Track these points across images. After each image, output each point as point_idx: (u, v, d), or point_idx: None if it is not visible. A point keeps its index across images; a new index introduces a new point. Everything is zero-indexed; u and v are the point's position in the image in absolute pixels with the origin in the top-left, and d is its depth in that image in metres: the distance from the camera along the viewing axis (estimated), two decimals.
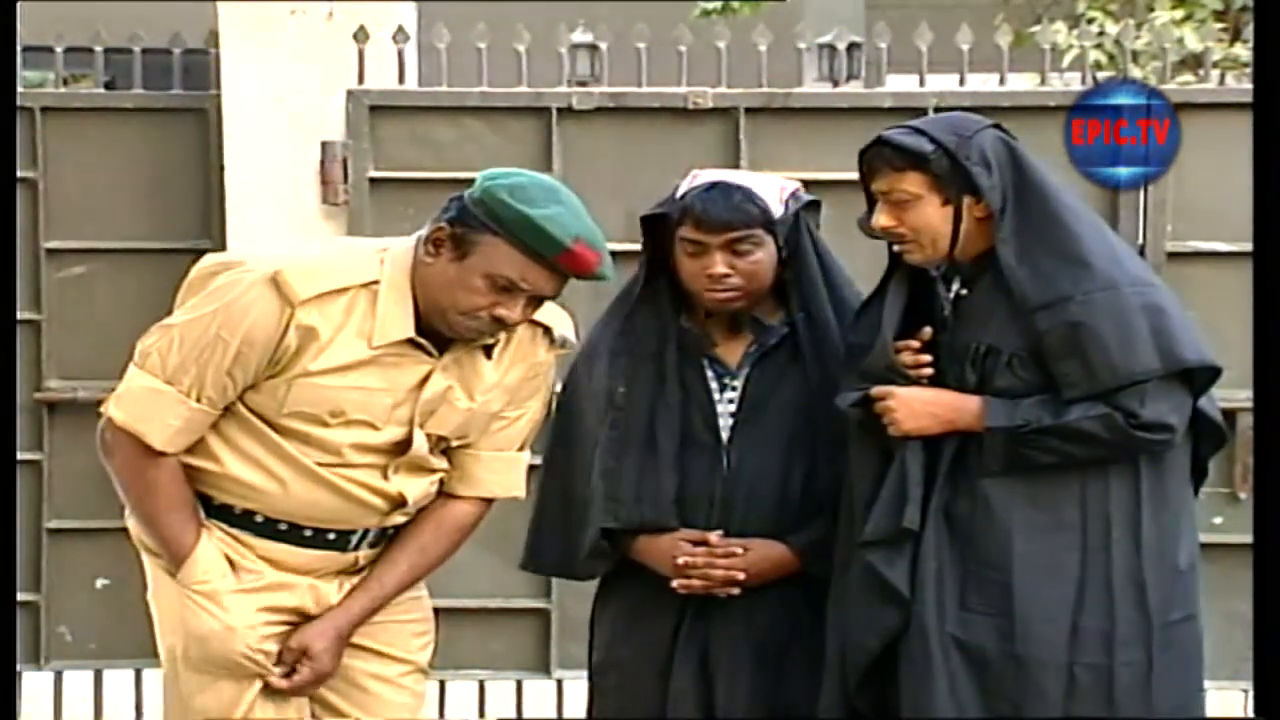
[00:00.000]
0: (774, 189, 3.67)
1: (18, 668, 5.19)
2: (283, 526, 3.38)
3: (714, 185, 3.63)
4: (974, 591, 3.41)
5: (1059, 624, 3.38)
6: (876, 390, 3.46)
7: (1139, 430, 3.34)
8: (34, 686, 5.49)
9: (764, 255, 3.61)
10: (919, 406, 3.44)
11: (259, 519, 3.37)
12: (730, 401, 3.68)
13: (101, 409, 3.35)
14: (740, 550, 3.61)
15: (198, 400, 3.28)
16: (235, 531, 3.38)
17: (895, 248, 3.50)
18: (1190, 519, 3.52)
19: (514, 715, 5.50)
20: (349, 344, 3.30)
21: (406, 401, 3.36)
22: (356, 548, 3.45)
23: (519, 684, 5.49)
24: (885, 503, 3.45)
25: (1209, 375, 3.44)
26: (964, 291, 3.49)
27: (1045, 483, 3.40)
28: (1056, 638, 3.38)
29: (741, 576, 3.59)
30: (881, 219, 3.46)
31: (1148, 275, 3.51)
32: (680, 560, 3.60)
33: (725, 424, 3.67)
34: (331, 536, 3.41)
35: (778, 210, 3.63)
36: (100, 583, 5.47)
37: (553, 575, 4.04)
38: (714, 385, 3.69)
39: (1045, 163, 3.55)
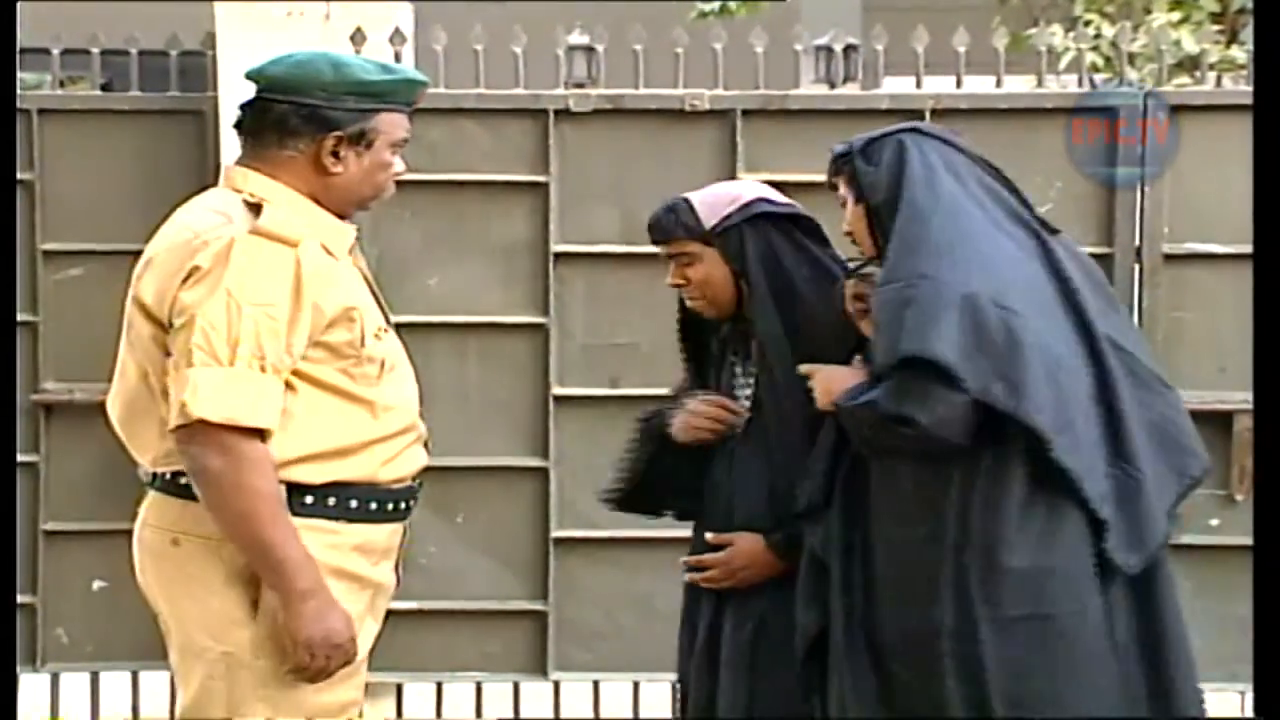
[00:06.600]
0: (725, 201, 3.70)
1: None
2: (373, 505, 3.39)
3: (672, 200, 3.74)
4: (860, 570, 3.47)
5: (907, 610, 3.40)
6: (803, 368, 3.55)
7: (888, 420, 3.34)
8: (30, 688, 5.48)
9: (704, 267, 3.69)
10: (826, 385, 3.50)
11: (353, 503, 3.36)
12: (747, 399, 3.76)
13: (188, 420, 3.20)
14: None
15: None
16: (332, 525, 3.35)
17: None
18: (1055, 523, 3.37)
19: (511, 717, 5.50)
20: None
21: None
22: (410, 511, 3.51)
23: (516, 685, 5.49)
24: (807, 479, 3.56)
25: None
26: None
27: (906, 470, 3.41)
28: (903, 623, 3.40)
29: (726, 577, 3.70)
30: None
31: (949, 271, 3.36)
32: (683, 564, 3.79)
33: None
34: (404, 505, 3.46)
35: (710, 222, 3.66)
36: (97, 584, 5.47)
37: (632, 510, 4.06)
38: (739, 382, 3.76)
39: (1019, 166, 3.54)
